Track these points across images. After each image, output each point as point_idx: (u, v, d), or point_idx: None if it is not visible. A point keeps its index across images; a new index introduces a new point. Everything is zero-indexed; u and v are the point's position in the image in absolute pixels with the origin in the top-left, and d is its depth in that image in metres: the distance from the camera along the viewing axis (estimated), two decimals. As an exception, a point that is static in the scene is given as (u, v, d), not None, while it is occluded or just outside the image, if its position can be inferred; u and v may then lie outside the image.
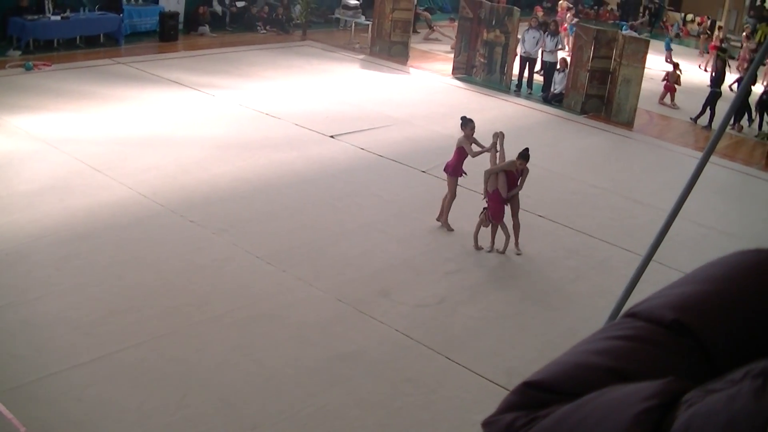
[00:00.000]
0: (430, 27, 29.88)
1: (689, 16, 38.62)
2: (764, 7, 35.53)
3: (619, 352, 1.07)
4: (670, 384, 0.95)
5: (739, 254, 1.12)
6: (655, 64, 27.67)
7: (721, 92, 21.47)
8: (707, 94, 21.77)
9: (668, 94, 23.80)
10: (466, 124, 13.12)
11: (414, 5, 26.44)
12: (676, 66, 24.56)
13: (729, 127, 20.64)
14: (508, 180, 12.36)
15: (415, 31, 28.11)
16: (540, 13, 31.36)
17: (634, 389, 0.96)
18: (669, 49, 26.65)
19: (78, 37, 22.30)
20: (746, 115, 21.53)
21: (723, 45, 28.67)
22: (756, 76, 21.41)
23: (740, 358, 0.94)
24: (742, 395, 0.87)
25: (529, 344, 10.09)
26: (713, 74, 22.38)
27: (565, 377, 1.07)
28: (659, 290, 1.16)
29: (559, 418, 0.99)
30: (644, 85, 21.30)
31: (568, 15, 30.49)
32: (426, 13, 30.79)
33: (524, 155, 12.36)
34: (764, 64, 25.42)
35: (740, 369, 0.91)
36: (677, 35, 35.23)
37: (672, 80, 23.87)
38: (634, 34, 25.71)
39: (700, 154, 5.37)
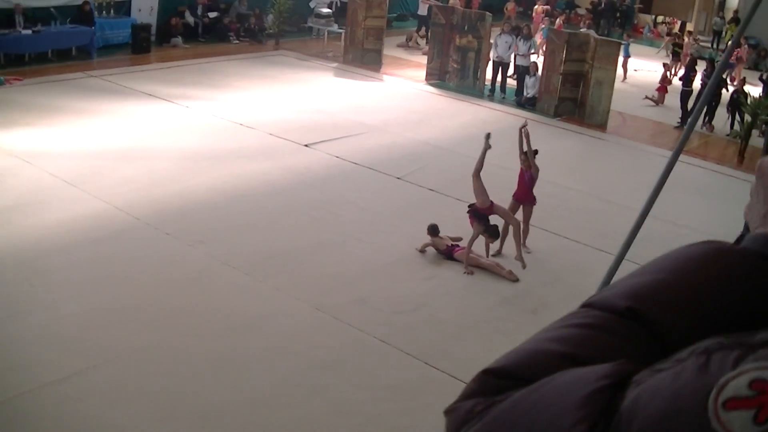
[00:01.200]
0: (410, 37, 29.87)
1: (660, 18, 38.87)
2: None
3: (574, 339, 1.11)
4: (621, 365, 0.99)
5: (689, 246, 1.18)
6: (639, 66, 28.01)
7: (691, 90, 21.65)
8: (680, 94, 22.04)
9: (660, 94, 24.26)
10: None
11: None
12: (669, 69, 25.24)
13: (700, 127, 20.83)
14: (519, 181, 12.48)
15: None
16: (512, 14, 31.57)
17: (587, 371, 1.00)
18: (627, 55, 26.82)
19: (50, 51, 22.18)
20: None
21: (678, 40, 29.06)
22: (723, 78, 21.62)
23: (690, 341, 0.97)
24: (686, 371, 0.91)
25: (508, 348, 10.04)
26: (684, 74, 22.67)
27: (523, 363, 1.12)
28: (614, 282, 1.20)
29: (515, 400, 1.03)
30: (617, 86, 21.46)
31: (545, 18, 30.66)
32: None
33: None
34: (732, 65, 25.75)
35: (686, 349, 0.94)
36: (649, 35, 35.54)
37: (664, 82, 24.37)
38: (591, 32, 25.87)
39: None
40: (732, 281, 1.10)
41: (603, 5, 37.00)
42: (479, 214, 12.09)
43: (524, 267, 12.05)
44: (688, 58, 24.92)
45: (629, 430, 0.89)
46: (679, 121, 21.63)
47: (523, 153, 12.67)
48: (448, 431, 1.08)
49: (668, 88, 24.28)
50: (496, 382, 1.09)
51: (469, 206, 12.39)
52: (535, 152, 12.72)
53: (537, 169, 12.62)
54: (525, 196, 12.71)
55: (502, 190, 12.79)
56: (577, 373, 1.00)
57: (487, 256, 12.42)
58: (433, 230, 12.47)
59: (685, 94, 21.76)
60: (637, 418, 0.89)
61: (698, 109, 4.84)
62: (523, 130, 12.63)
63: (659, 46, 30.61)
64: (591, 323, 1.12)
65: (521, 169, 12.76)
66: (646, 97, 24.45)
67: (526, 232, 12.61)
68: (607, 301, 1.14)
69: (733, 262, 1.12)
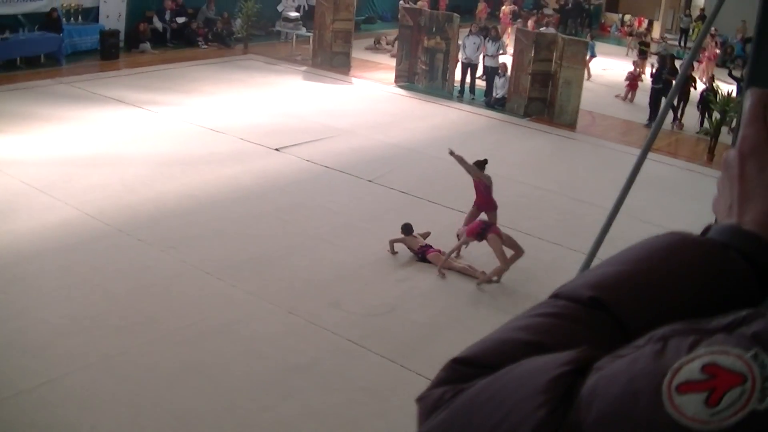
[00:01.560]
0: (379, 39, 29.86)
1: (627, 17, 39.10)
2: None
3: (539, 327, 1.15)
4: (583, 352, 1.01)
5: (655, 237, 1.22)
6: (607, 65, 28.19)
7: (660, 88, 21.78)
8: (650, 92, 22.25)
9: (630, 91, 24.60)
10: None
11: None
12: (639, 67, 25.69)
13: (670, 125, 20.96)
14: (476, 191, 12.48)
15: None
16: (482, 16, 31.65)
17: (549, 358, 1.03)
18: (593, 55, 26.99)
19: (18, 58, 22.03)
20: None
21: (645, 39, 29.26)
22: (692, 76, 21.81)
23: (653, 328, 1.01)
24: (643, 357, 0.94)
25: (481, 348, 10.13)
26: (653, 72, 22.81)
27: (490, 352, 1.14)
28: (582, 273, 1.24)
29: (481, 387, 1.05)
30: (586, 85, 21.59)
31: (516, 21, 30.81)
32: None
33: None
34: (699, 62, 25.92)
35: (645, 335, 0.98)
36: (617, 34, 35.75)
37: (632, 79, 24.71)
38: (552, 30, 26.00)
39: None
40: (695, 270, 1.13)
41: (570, 5, 37.16)
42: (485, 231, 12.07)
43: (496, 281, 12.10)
44: (656, 56, 25.10)
45: (588, 414, 0.92)
46: (648, 120, 21.81)
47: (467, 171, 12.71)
48: (419, 418, 1.12)
49: (638, 85, 24.54)
50: (464, 370, 1.12)
51: (485, 223, 12.32)
52: (485, 162, 12.70)
53: (488, 178, 12.62)
54: (485, 203, 12.72)
55: (471, 190, 12.81)
56: (540, 360, 1.03)
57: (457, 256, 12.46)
58: (407, 229, 12.51)
59: (655, 93, 21.88)
60: (596, 402, 0.93)
61: (665, 106, 4.89)
62: (453, 155, 12.65)
63: (626, 45, 30.78)
64: (556, 312, 1.16)
65: (473, 180, 12.76)
66: (617, 96, 24.70)
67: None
68: (573, 292, 1.18)
69: (697, 252, 1.15)
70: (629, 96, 24.67)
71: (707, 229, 1.22)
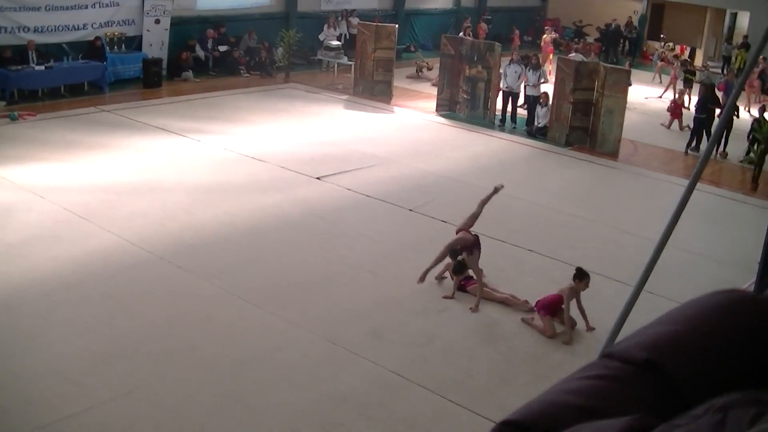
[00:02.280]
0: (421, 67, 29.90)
1: (669, 45, 38.94)
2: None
3: (591, 391, 1.10)
4: (638, 420, 0.98)
5: (711, 295, 1.17)
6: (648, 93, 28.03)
7: (704, 117, 21.57)
8: (693, 121, 22.09)
9: (675, 120, 24.39)
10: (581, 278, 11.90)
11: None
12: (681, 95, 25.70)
13: (713, 154, 20.78)
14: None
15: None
16: (516, 44, 31.63)
17: (603, 426, 0.99)
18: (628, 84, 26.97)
19: (62, 86, 22.36)
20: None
21: (690, 67, 29.04)
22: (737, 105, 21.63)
23: (710, 394, 0.96)
24: (701, 429, 0.91)
25: (522, 380, 10.06)
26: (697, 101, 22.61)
27: (540, 416, 1.11)
28: (635, 331, 1.20)
29: None
30: (627, 114, 21.48)
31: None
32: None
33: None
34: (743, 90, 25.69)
35: (703, 404, 0.94)
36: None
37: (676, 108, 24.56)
38: (581, 57, 25.89)
39: (685, 182, 5.42)
40: (754, 333, 1.08)
41: (610, 33, 37.09)
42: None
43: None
44: (700, 86, 24.89)
45: None
46: (687, 147, 21.69)
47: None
48: None
49: (683, 113, 24.41)
50: None
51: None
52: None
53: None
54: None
55: (513, 220, 12.77)
56: (593, 428, 0.99)
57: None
58: (460, 269, 12.31)
59: (699, 122, 21.70)
60: None
61: (714, 136, 4.82)
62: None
63: (668, 73, 30.59)
64: (608, 374, 1.12)
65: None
66: (662, 125, 24.59)
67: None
68: (626, 352, 1.14)
69: (756, 313, 1.11)
70: (676, 125, 24.39)
71: (762, 287, 1.18)
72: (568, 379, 1.16)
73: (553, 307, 11.41)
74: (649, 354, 1.10)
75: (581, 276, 11.28)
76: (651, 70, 33.49)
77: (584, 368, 1.17)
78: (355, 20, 30.10)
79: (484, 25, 34.76)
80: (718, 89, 24.72)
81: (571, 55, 26.37)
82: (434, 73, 26.74)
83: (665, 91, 28.74)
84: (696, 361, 1.08)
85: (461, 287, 12.30)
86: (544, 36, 33.08)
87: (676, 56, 31.36)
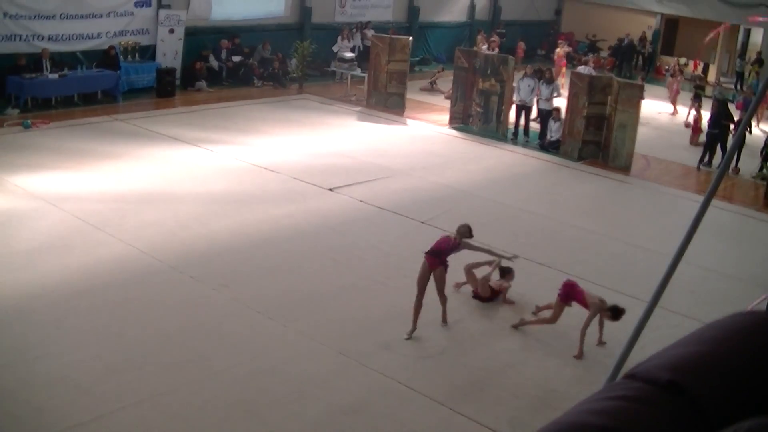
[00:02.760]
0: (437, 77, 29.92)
1: (682, 60, 38.87)
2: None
3: (614, 412, 1.09)
4: None
5: (733, 316, 1.16)
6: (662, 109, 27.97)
7: (717, 132, 21.53)
8: (706, 136, 22.03)
9: (696, 135, 24.30)
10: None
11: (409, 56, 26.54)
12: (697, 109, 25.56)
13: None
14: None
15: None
16: (519, 57, 31.64)
17: None
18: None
19: (76, 95, 22.46)
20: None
21: (699, 83, 28.91)
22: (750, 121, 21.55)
23: (734, 416, 0.95)
24: None
25: (532, 393, 10.03)
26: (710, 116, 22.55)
27: None
28: (658, 351, 1.19)
29: None
30: (640, 129, 21.44)
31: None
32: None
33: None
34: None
35: (728, 428, 0.93)
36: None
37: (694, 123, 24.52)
38: (590, 70, 25.84)
39: (697, 197, 5.40)
40: None
41: (622, 47, 37.05)
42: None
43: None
44: (712, 101, 24.82)
45: None
46: (699, 162, 21.65)
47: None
48: None
49: (700, 128, 24.36)
50: None
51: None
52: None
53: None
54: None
55: (524, 233, 12.74)
56: None
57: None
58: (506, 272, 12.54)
59: (712, 137, 21.65)
60: None
61: (729, 153, 4.79)
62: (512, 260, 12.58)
63: (683, 88, 30.49)
64: (632, 395, 1.11)
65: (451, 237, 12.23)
66: (692, 144, 24.44)
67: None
68: (649, 373, 1.13)
69: None
70: (696, 140, 24.31)
71: None
72: (591, 399, 1.15)
73: (571, 298, 11.48)
74: (673, 375, 1.09)
75: (616, 315, 11.12)
76: (664, 85, 33.45)
77: (606, 389, 1.16)
78: (369, 32, 30.13)
79: (497, 38, 34.81)
80: (737, 107, 24.63)
81: (579, 68, 26.34)
82: (447, 86, 26.71)
83: (674, 105, 28.70)
84: (720, 382, 1.07)
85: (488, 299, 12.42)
86: (558, 50, 33.07)
87: (680, 70, 31.14)
